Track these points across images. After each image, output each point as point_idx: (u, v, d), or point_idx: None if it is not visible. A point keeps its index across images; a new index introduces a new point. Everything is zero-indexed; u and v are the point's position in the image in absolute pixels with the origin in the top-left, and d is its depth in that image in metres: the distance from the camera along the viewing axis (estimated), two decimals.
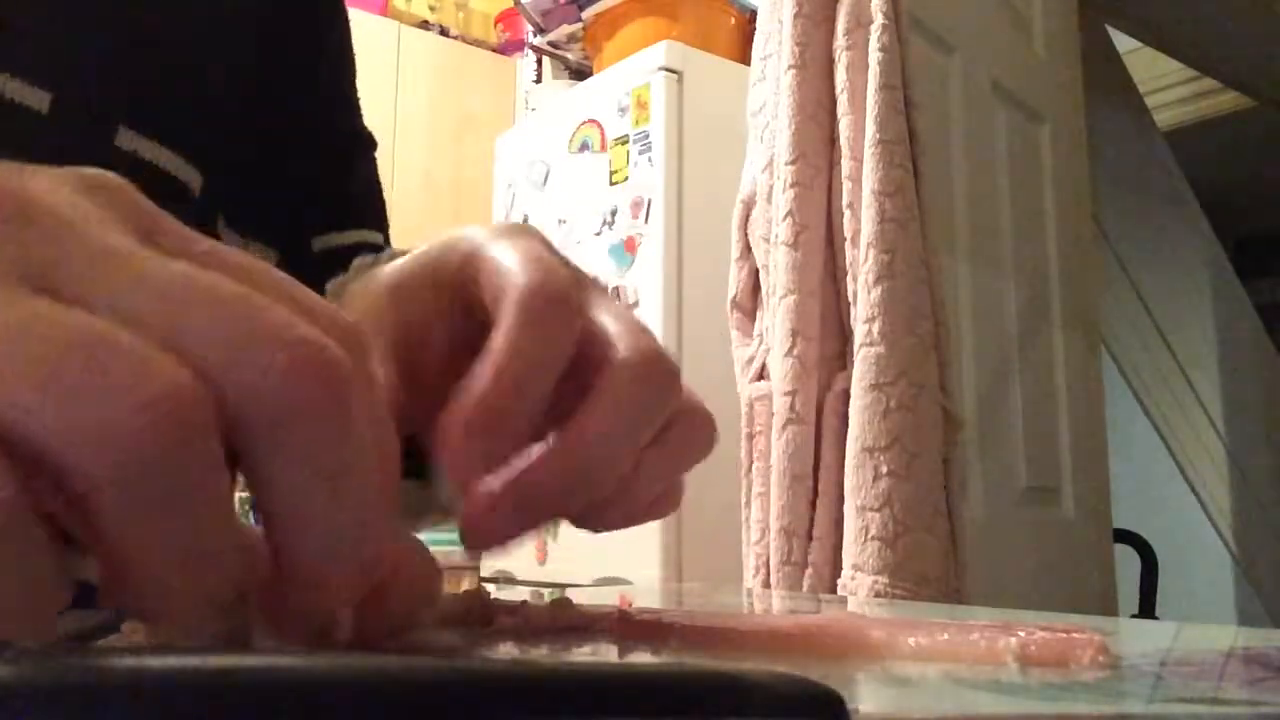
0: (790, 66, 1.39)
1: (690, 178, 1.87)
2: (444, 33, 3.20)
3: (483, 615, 0.35)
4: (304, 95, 0.58)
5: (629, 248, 1.88)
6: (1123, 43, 2.86)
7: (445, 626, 0.34)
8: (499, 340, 0.27)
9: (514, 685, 0.15)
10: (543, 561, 1.97)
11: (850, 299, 1.35)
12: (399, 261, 0.35)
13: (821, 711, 0.17)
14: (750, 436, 1.39)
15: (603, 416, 0.27)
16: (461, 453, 0.26)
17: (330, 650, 0.26)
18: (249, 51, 0.54)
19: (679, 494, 0.33)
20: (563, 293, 0.28)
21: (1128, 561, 2.32)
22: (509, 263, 0.29)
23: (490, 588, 0.41)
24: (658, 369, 0.29)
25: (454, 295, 0.32)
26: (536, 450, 0.27)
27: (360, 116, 0.63)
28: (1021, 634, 0.28)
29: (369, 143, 0.63)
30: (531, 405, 0.27)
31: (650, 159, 1.87)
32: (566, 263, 0.31)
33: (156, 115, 0.47)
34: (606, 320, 0.30)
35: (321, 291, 0.38)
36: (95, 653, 0.14)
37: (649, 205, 1.85)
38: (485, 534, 0.27)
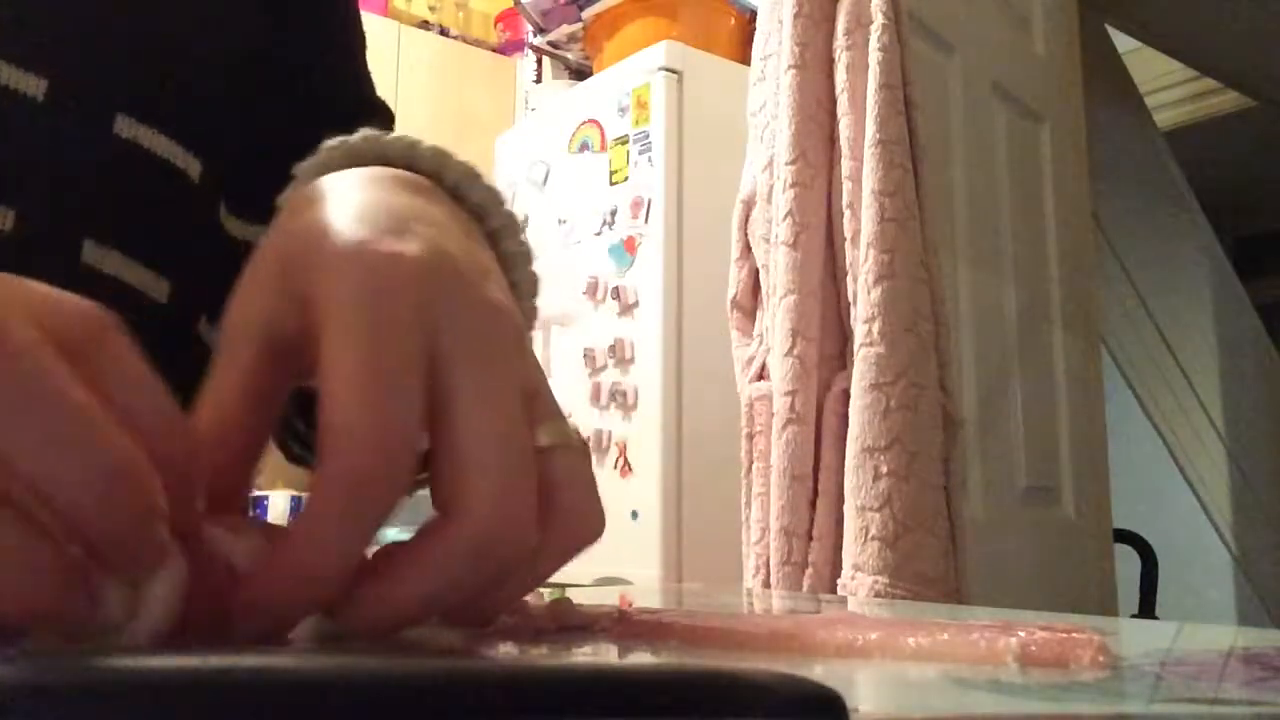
0: (790, 66, 1.39)
1: (690, 178, 1.87)
2: (444, 33, 3.20)
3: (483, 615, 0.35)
4: (309, 70, 0.56)
5: (629, 248, 1.88)
6: (1123, 43, 2.86)
7: (445, 626, 0.34)
8: (305, 513, 0.25)
9: (514, 685, 0.15)
10: None
11: (850, 299, 1.35)
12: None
13: (821, 711, 0.17)
14: (750, 436, 1.39)
15: (418, 582, 0.26)
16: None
17: (330, 651, 0.26)
18: (248, 34, 0.52)
19: (593, 524, 0.31)
20: (394, 399, 0.26)
21: (1128, 561, 2.32)
22: (340, 326, 0.26)
23: None
24: (506, 536, 0.26)
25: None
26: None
27: (371, 87, 0.60)
28: (1021, 634, 0.28)
29: (383, 111, 0.60)
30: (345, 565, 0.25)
31: (650, 159, 1.87)
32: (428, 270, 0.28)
33: (155, 102, 0.46)
34: (470, 407, 0.26)
35: None
36: (94, 655, 0.14)
37: (649, 205, 1.85)
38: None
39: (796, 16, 1.40)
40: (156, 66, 0.46)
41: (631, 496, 1.78)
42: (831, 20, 1.42)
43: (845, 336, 1.37)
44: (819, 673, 0.26)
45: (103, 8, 0.45)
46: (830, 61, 1.40)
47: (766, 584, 1.33)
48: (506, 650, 0.30)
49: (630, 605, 0.36)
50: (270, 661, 0.15)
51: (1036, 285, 1.85)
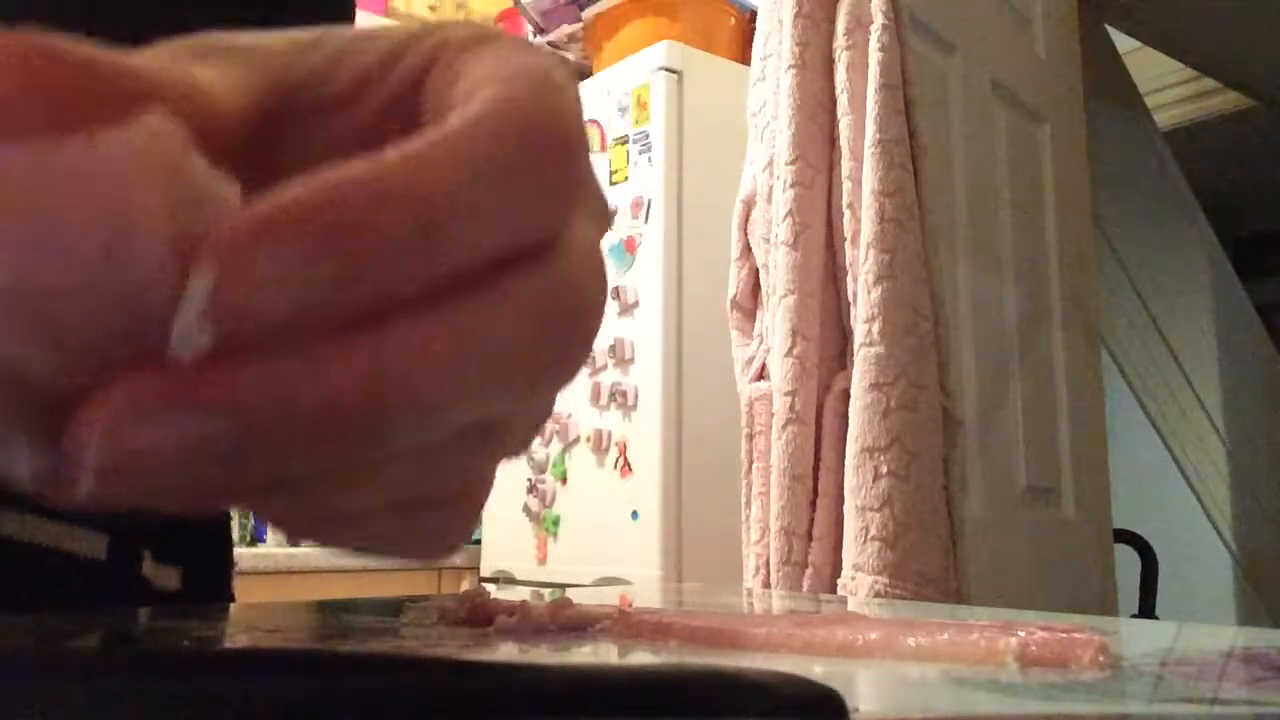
0: (790, 66, 1.39)
1: (690, 178, 1.87)
2: None
3: (483, 615, 0.35)
4: None
5: (629, 248, 1.88)
6: (1123, 43, 2.86)
7: (445, 626, 0.34)
8: (438, 130, 0.16)
9: (514, 685, 0.15)
10: (543, 561, 1.97)
11: (850, 299, 1.35)
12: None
13: (821, 711, 0.17)
14: (750, 436, 1.39)
15: (426, 157, 0.15)
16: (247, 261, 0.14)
17: (332, 648, 0.27)
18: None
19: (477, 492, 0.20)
20: (573, 149, 0.17)
21: (1128, 561, 2.32)
22: (516, 75, 0.17)
23: (490, 588, 0.41)
24: (545, 129, 0.16)
25: (383, 93, 0.20)
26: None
27: None
28: (1021, 634, 0.28)
29: None
30: (422, 253, 0.15)
31: (650, 159, 1.87)
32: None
33: None
34: None
35: None
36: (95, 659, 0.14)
37: (649, 205, 1.85)
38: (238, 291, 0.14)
39: (796, 16, 1.40)
40: None
41: (631, 496, 1.78)
42: (831, 20, 1.42)
43: (845, 336, 1.37)
44: (819, 673, 0.26)
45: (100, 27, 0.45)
46: (830, 61, 1.40)
47: (766, 584, 1.33)
48: (506, 650, 0.30)
49: (630, 605, 0.36)
50: (260, 682, 0.15)
51: (1036, 285, 1.85)
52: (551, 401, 0.19)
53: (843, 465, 1.28)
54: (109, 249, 0.13)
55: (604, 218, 0.20)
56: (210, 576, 0.54)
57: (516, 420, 0.18)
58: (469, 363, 0.15)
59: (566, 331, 0.17)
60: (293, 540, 0.17)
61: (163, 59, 0.19)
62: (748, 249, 1.47)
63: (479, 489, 0.19)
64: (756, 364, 1.42)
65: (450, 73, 0.19)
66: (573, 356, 0.17)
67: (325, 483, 0.16)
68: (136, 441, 0.14)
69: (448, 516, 0.19)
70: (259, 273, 0.14)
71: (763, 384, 1.39)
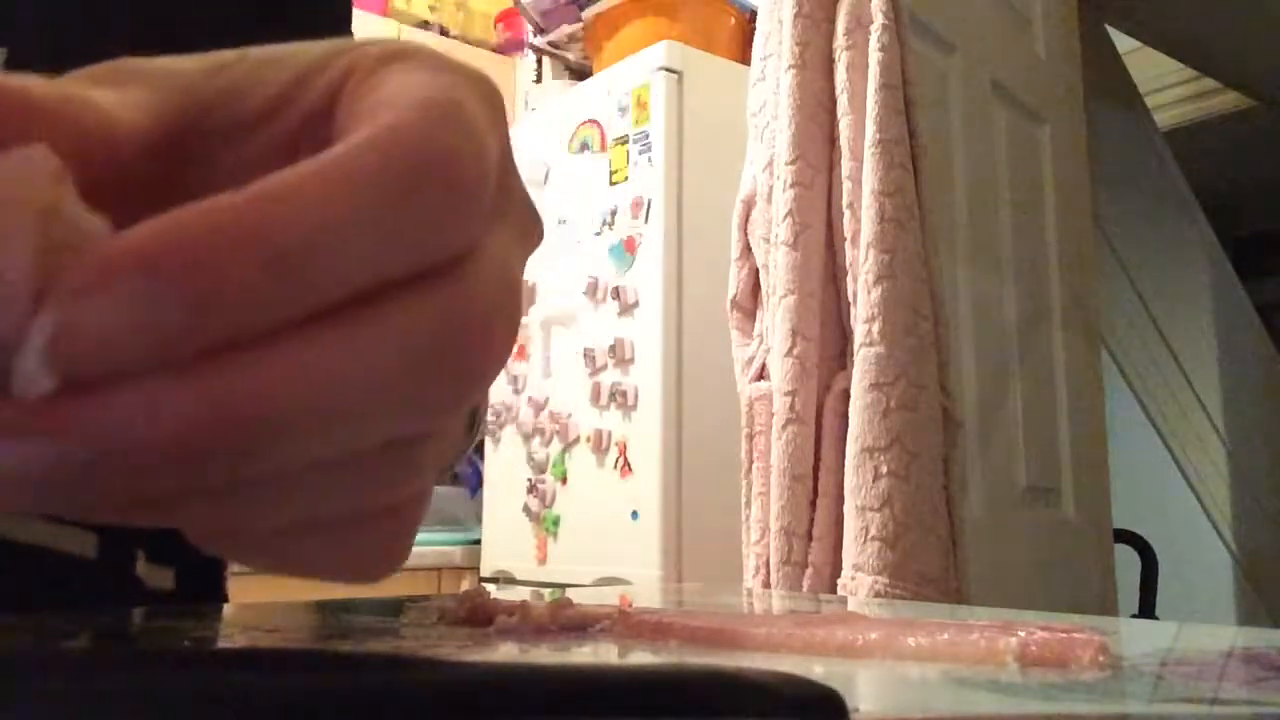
0: (790, 66, 1.39)
1: (690, 178, 1.87)
2: (444, 32, 3.20)
3: (483, 615, 0.35)
4: None
5: (629, 248, 1.88)
6: (1123, 43, 2.86)
7: (445, 626, 0.34)
8: (332, 152, 0.16)
9: (514, 685, 0.15)
10: (543, 561, 1.97)
11: (850, 299, 1.35)
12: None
13: (821, 711, 0.17)
14: (750, 436, 1.39)
15: (312, 183, 0.15)
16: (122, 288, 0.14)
17: (332, 648, 0.27)
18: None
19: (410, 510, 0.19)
20: (478, 169, 0.17)
21: (1128, 561, 2.32)
22: (418, 91, 0.17)
23: (490, 588, 0.41)
24: (449, 149, 0.16)
25: (298, 112, 0.19)
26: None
27: None
28: (1021, 634, 0.28)
29: None
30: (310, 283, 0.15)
31: (650, 159, 1.87)
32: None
33: None
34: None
35: None
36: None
37: (649, 205, 1.85)
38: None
39: (796, 16, 1.40)
40: None
41: (631, 496, 1.78)
42: (831, 20, 1.42)
43: (845, 336, 1.37)
44: (819, 673, 0.26)
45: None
46: (830, 61, 1.40)
47: (766, 584, 1.33)
48: (506, 650, 0.30)
49: (630, 605, 0.36)
50: (259, 680, 0.15)
51: (1036, 285, 1.85)
52: (468, 419, 0.19)
53: (843, 465, 1.28)
54: None
55: (529, 231, 0.20)
56: (204, 577, 0.54)
57: (432, 439, 0.18)
58: (335, 389, 0.15)
59: (460, 353, 0.16)
60: (214, 555, 0.17)
61: (63, 83, 0.19)
62: (748, 249, 1.47)
63: (409, 508, 0.19)
64: (756, 364, 1.42)
65: (359, 92, 0.19)
66: (470, 377, 0.17)
67: (227, 499, 0.16)
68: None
69: (375, 536, 0.18)
70: (100, 315, 0.14)
71: (763, 384, 1.39)
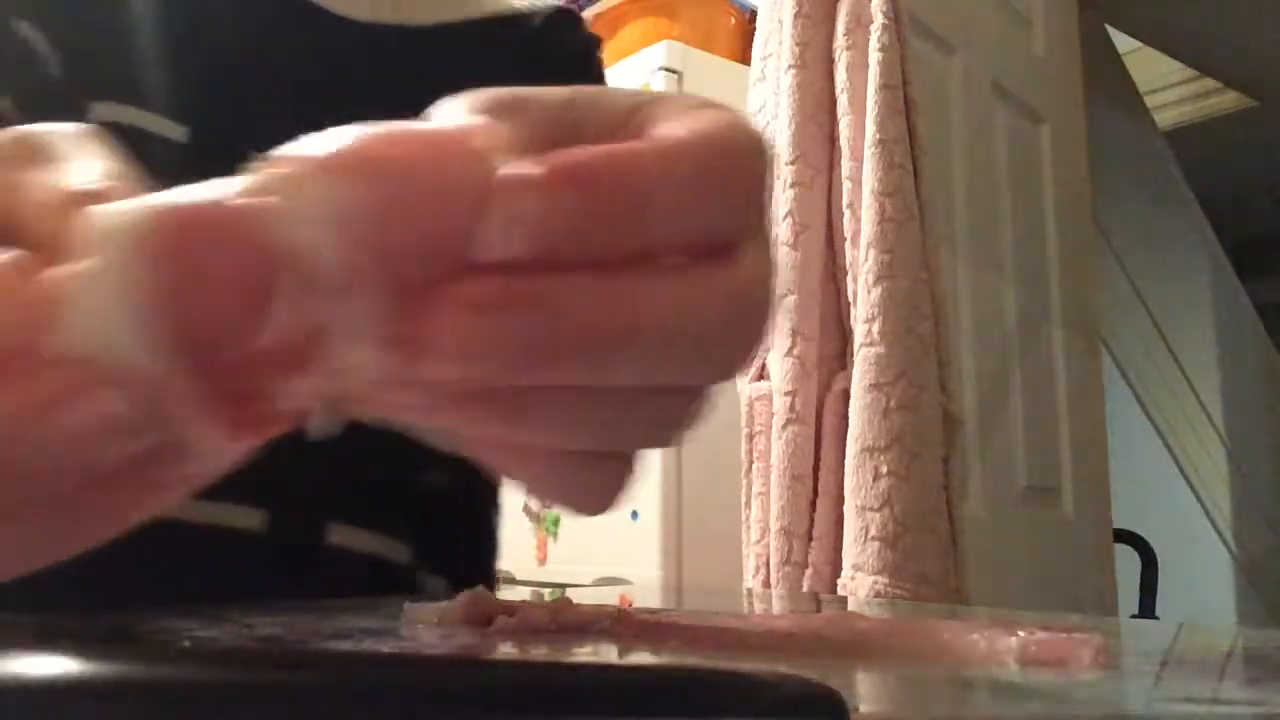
0: (790, 66, 1.39)
1: None
2: None
3: (482, 615, 0.35)
4: None
5: None
6: (1123, 43, 2.86)
7: (445, 626, 0.34)
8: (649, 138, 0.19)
9: (514, 685, 0.15)
10: (543, 561, 1.97)
11: (850, 299, 1.35)
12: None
13: (821, 711, 0.17)
14: (750, 436, 1.39)
15: (644, 155, 0.18)
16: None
17: (332, 648, 0.27)
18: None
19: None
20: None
21: (1128, 561, 2.32)
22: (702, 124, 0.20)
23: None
24: (744, 147, 0.20)
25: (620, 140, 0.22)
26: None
27: None
28: (1021, 634, 0.28)
29: None
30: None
31: None
32: None
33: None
34: None
35: None
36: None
37: None
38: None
39: (796, 16, 1.40)
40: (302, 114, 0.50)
41: (631, 497, 1.78)
42: (831, 20, 1.41)
43: (845, 336, 1.37)
44: (819, 673, 0.26)
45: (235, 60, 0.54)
46: (830, 61, 1.40)
47: (766, 584, 1.33)
48: (506, 650, 0.30)
49: (630, 605, 0.36)
50: (273, 665, 0.15)
51: (1036, 285, 1.85)
52: (718, 384, 0.22)
53: (843, 465, 1.28)
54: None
55: (771, 249, 0.24)
56: (474, 585, 0.59)
57: (704, 397, 0.21)
58: (669, 321, 0.18)
59: (756, 321, 0.20)
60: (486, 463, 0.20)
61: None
62: None
63: (640, 456, 0.22)
64: (756, 364, 1.42)
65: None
66: (756, 344, 0.20)
67: (530, 404, 0.18)
68: (482, 326, 0.17)
69: (619, 473, 0.21)
70: (557, 203, 0.17)
71: (763, 384, 1.39)
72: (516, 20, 0.67)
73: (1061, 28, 2.05)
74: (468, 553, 0.61)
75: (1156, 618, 2.39)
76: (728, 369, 0.19)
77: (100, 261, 0.17)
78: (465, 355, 0.17)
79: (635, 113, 0.22)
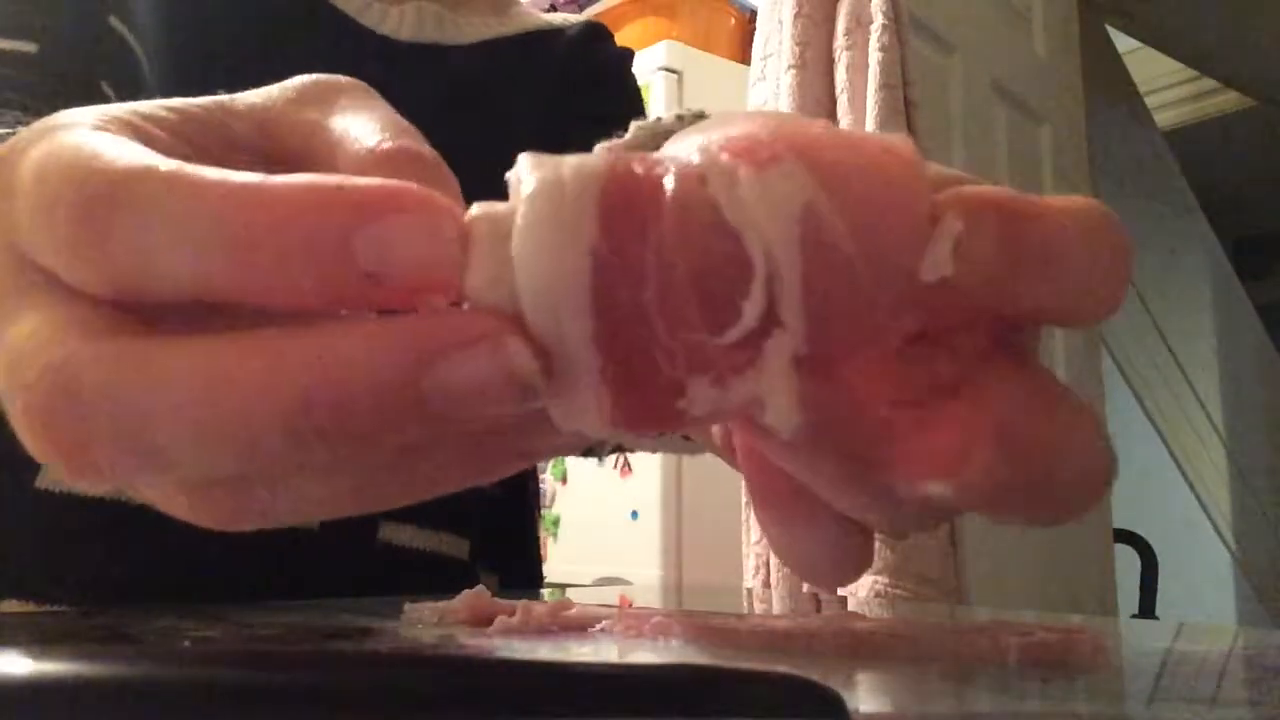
0: (790, 66, 1.39)
1: None
2: None
3: (483, 615, 0.35)
4: None
5: None
6: (1123, 43, 2.86)
7: (445, 626, 0.34)
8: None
9: (515, 684, 0.15)
10: (543, 562, 1.97)
11: None
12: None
13: (821, 711, 0.17)
14: None
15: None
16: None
17: (332, 648, 0.27)
18: None
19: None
20: None
21: (1128, 561, 2.32)
22: None
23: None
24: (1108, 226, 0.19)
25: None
26: None
27: None
28: (1021, 634, 0.28)
29: None
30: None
31: None
32: None
33: None
34: None
35: None
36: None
37: None
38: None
39: (796, 16, 1.40)
40: None
41: (631, 496, 1.78)
42: (831, 20, 1.41)
43: None
44: (819, 673, 0.26)
45: None
46: (830, 61, 1.40)
47: (766, 584, 1.33)
48: (506, 650, 0.30)
49: (630, 605, 0.36)
50: (258, 679, 0.15)
51: None
52: None
53: None
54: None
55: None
56: (525, 583, 0.63)
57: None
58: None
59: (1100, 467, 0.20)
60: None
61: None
62: None
63: None
64: None
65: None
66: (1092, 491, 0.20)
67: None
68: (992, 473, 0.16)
69: (865, 547, 0.21)
70: (984, 230, 0.17)
71: None
72: (550, 35, 0.67)
73: (1061, 28, 2.05)
74: (520, 551, 0.62)
75: (1156, 618, 2.38)
76: (1080, 501, 0.20)
77: (536, 211, 0.16)
78: (963, 493, 0.16)
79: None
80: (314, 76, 0.23)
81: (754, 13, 1.74)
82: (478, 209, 0.17)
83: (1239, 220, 3.92)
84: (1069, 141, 2.01)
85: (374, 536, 0.51)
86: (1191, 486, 2.88)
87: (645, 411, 0.17)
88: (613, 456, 1.84)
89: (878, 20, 1.35)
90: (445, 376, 0.15)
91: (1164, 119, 3.19)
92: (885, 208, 0.16)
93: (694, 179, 0.16)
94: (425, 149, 0.20)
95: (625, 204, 0.16)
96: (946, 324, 0.17)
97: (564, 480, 1.94)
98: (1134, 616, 2.37)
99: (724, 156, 0.16)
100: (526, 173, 0.16)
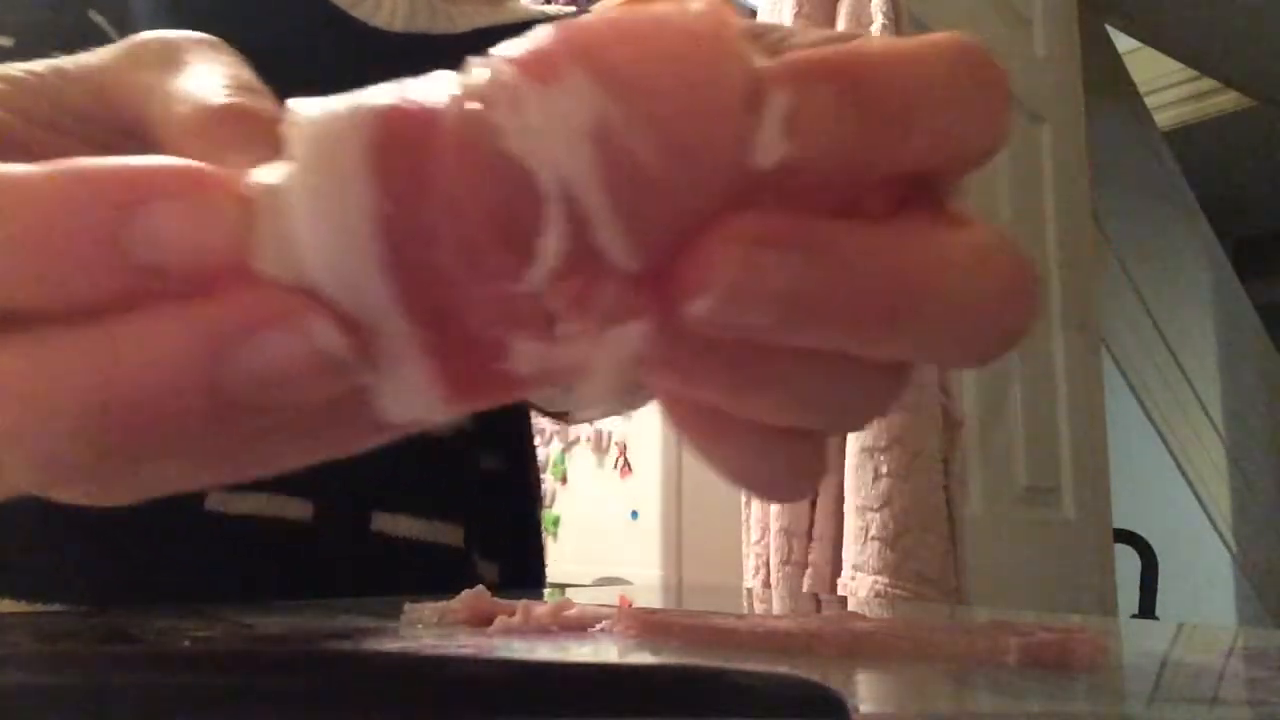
0: None
1: None
2: None
3: (483, 615, 0.35)
4: None
5: None
6: (1123, 43, 2.86)
7: (445, 626, 0.34)
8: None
9: (515, 684, 0.15)
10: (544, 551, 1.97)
11: None
12: None
13: (821, 711, 0.17)
14: None
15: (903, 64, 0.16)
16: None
17: (332, 648, 0.27)
18: None
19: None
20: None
21: (1128, 561, 2.32)
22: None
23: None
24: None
25: None
26: None
27: None
28: (1021, 634, 0.28)
29: None
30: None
31: None
32: None
33: None
34: None
35: None
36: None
37: None
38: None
39: (796, 16, 1.40)
40: None
41: (631, 496, 1.78)
42: (831, 20, 1.42)
43: None
44: (819, 673, 0.26)
45: None
46: None
47: (766, 584, 1.33)
48: (506, 650, 0.30)
49: (630, 605, 0.36)
50: (258, 678, 0.15)
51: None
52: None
53: (843, 465, 1.28)
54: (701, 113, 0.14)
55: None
56: (524, 573, 0.60)
57: (907, 371, 0.18)
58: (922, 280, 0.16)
59: (1018, 294, 0.17)
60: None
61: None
62: None
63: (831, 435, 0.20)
64: None
65: None
66: (1017, 319, 0.17)
67: (770, 373, 0.16)
68: (761, 265, 0.14)
69: (813, 458, 0.19)
70: (819, 98, 0.15)
71: None
72: (544, 23, 0.67)
73: (1061, 28, 2.05)
74: (518, 538, 0.62)
75: (1156, 618, 2.38)
76: (998, 346, 0.17)
77: (306, 171, 0.14)
78: (735, 300, 0.14)
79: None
80: (153, 33, 0.21)
81: (754, 13, 1.74)
82: (258, 175, 0.15)
83: (1239, 220, 3.92)
84: (1069, 141, 2.01)
85: (367, 529, 0.51)
86: (1191, 486, 2.88)
87: (475, 380, 0.15)
88: (613, 456, 1.84)
89: (878, 20, 1.35)
90: (245, 364, 0.14)
91: (1164, 119, 3.19)
92: (691, 102, 0.14)
93: (476, 105, 0.14)
94: (259, 104, 0.19)
95: (403, 145, 0.14)
96: (821, 197, 0.15)
97: (564, 480, 1.94)
98: (1134, 616, 2.38)
99: (506, 74, 0.14)
100: (295, 123, 0.14)
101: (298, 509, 0.48)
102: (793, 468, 0.18)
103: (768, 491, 0.19)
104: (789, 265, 0.14)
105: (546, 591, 0.59)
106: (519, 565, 0.60)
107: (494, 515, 0.58)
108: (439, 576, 0.51)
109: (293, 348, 0.14)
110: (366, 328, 0.14)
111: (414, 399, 0.15)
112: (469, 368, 0.15)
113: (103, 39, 0.50)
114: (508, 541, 0.60)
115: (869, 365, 0.17)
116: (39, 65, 0.21)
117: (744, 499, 1.40)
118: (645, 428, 1.79)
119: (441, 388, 0.15)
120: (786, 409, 0.17)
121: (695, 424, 0.18)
